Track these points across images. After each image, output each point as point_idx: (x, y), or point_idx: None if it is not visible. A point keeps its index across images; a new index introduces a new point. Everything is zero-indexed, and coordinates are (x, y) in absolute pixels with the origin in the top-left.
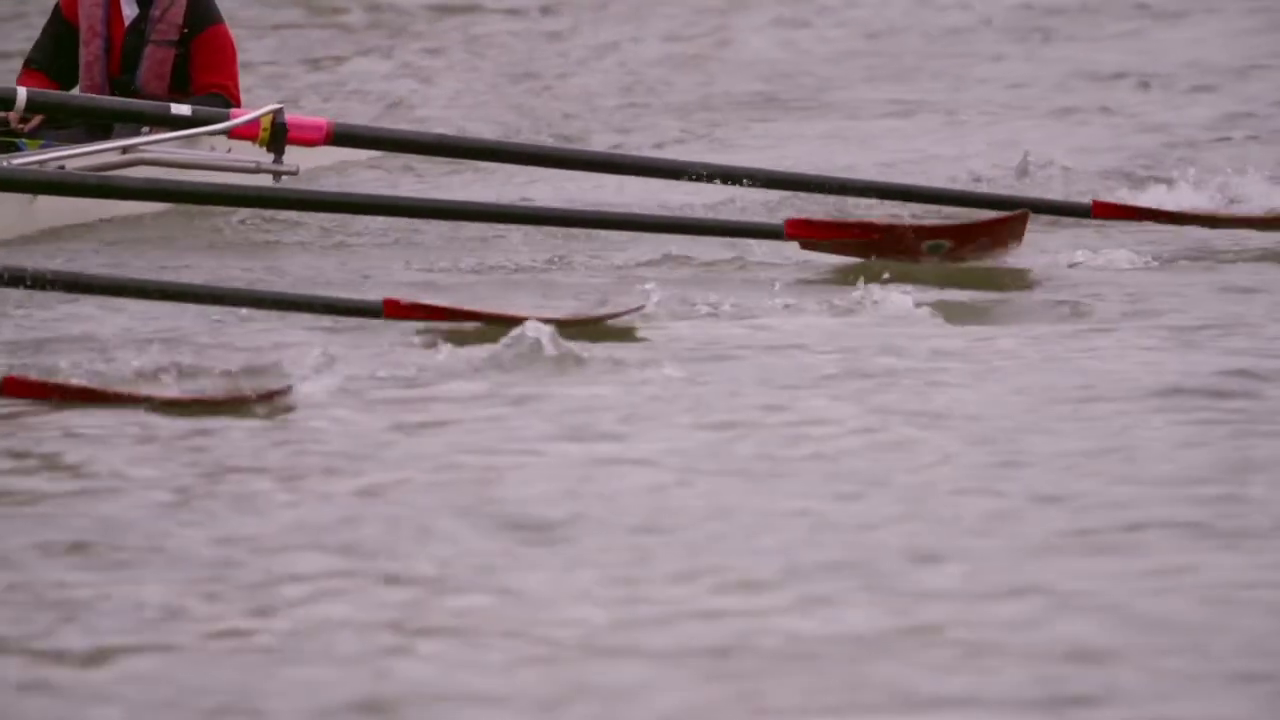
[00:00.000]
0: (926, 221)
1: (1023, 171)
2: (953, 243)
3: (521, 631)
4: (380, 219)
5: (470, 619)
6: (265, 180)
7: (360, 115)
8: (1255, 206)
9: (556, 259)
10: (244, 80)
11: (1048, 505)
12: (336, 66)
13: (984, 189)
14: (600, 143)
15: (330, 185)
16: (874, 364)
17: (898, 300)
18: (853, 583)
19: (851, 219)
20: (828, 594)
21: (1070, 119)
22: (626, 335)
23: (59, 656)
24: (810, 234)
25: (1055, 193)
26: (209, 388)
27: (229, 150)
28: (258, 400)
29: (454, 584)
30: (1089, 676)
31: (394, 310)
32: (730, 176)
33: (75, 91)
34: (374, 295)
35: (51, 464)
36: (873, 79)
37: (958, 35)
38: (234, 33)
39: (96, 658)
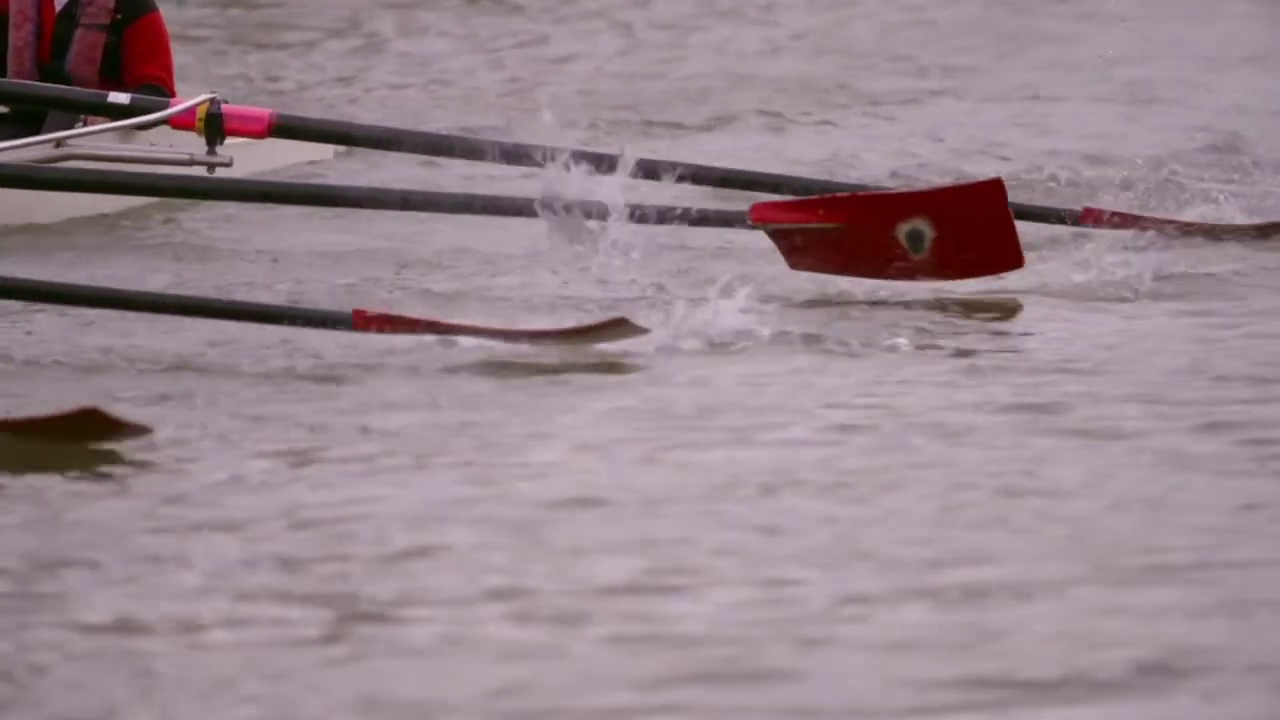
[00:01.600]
0: (893, 189)
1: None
2: (930, 221)
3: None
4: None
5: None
6: (199, 173)
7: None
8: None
9: (537, 256)
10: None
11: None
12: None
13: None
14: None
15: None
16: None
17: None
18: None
19: (815, 197)
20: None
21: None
22: (613, 350)
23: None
24: (777, 217)
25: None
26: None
27: (170, 145)
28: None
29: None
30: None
31: (363, 322)
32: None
33: (3, 79)
34: (343, 306)
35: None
36: (899, 69)
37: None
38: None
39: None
